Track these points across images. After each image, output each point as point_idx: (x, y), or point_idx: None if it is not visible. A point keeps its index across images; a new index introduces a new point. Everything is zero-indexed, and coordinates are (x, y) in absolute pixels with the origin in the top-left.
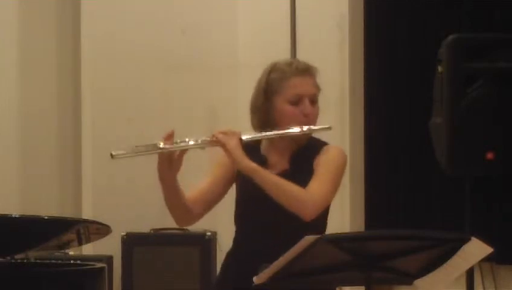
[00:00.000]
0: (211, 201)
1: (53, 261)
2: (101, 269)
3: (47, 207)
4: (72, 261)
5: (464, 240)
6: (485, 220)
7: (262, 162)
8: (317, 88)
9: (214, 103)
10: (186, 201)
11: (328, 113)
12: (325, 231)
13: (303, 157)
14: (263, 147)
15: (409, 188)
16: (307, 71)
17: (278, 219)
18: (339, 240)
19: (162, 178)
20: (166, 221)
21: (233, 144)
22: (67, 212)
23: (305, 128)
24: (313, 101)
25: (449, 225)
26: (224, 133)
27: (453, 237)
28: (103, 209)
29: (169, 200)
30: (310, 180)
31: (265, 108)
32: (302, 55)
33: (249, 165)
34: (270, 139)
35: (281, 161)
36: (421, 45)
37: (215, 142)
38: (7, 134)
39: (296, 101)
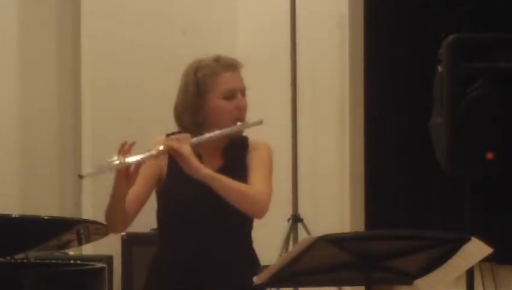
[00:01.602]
0: (143, 203)
1: (53, 261)
2: (101, 269)
3: (47, 207)
4: (72, 261)
5: (464, 240)
6: (485, 220)
7: (199, 159)
8: (243, 81)
9: None
10: (125, 210)
11: (328, 114)
12: (251, 228)
13: (235, 152)
14: (193, 144)
15: (409, 188)
16: (234, 65)
17: (208, 219)
18: (339, 240)
19: (117, 192)
20: None
21: (187, 151)
22: (67, 212)
23: (240, 123)
24: (243, 94)
25: (449, 225)
26: (177, 139)
27: (453, 237)
28: (103, 209)
29: (114, 211)
30: (243, 176)
31: (197, 107)
32: (302, 55)
33: (207, 172)
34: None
35: (214, 158)
36: (421, 45)
37: (169, 150)
38: (7, 134)
39: (229, 96)
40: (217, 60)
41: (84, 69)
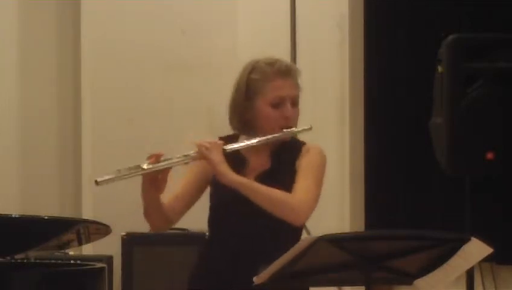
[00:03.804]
0: (187, 205)
1: (53, 261)
2: (101, 269)
3: (47, 207)
4: (72, 261)
5: (464, 240)
6: (485, 220)
7: (242, 162)
8: (299, 89)
9: (214, 103)
10: (164, 209)
11: (328, 113)
12: (301, 233)
13: (284, 156)
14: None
15: (409, 188)
16: (288, 72)
17: (255, 222)
18: (339, 240)
19: (146, 197)
20: None
21: (217, 158)
22: (67, 212)
23: (285, 130)
24: (294, 103)
25: (449, 225)
26: (208, 145)
27: (453, 237)
28: (103, 209)
29: (149, 213)
30: (291, 180)
31: (245, 109)
32: (302, 55)
33: (235, 179)
34: (249, 138)
35: (261, 160)
36: (421, 45)
37: (199, 157)
38: (7, 134)
39: (278, 104)
40: (272, 64)
41: (84, 69)
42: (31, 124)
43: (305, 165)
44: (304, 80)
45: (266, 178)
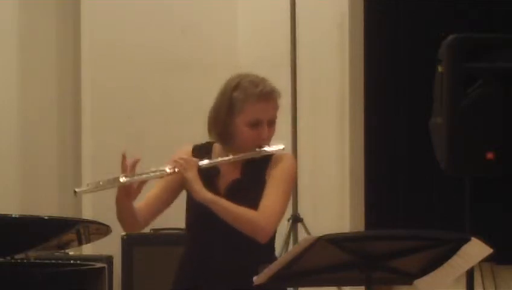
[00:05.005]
0: (157, 210)
1: (53, 261)
2: (101, 269)
3: (47, 207)
4: (72, 261)
5: (464, 240)
6: (485, 220)
7: (215, 172)
8: (277, 109)
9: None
10: (136, 214)
11: (328, 113)
12: (274, 236)
13: (254, 166)
14: (215, 156)
15: (409, 188)
16: (271, 95)
17: (222, 224)
18: (339, 240)
19: (119, 205)
20: (166, 221)
21: (191, 175)
22: (67, 212)
23: (258, 150)
24: (271, 123)
25: (449, 225)
26: (183, 163)
27: (453, 237)
28: (103, 209)
29: (121, 218)
30: (260, 188)
31: (224, 123)
32: (302, 55)
33: (207, 196)
34: (223, 149)
35: (232, 171)
36: (421, 44)
37: (175, 173)
38: (7, 134)
39: (255, 124)
40: (257, 85)
41: (84, 69)
42: (31, 124)
43: (276, 175)
44: (304, 80)
45: (236, 187)
